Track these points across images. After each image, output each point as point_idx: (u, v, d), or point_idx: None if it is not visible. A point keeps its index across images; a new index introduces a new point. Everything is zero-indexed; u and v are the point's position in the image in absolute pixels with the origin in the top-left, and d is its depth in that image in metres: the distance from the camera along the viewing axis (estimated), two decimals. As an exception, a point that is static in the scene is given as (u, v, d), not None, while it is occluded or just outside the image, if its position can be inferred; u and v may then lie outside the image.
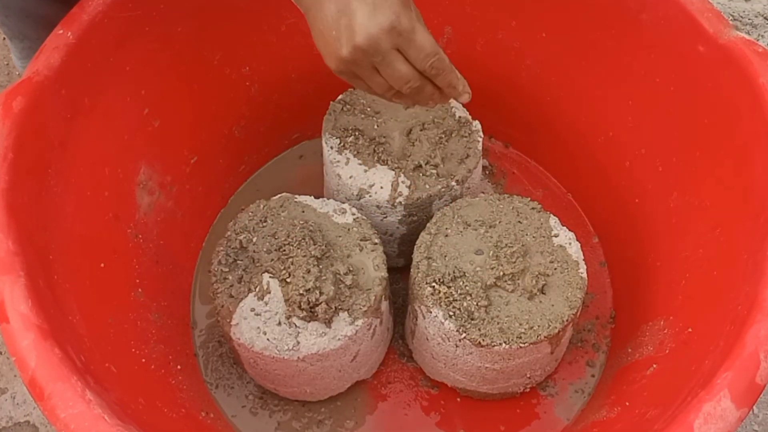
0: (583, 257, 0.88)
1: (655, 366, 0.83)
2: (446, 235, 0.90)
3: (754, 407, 1.03)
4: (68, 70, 0.80)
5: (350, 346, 0.86)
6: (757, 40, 1.07)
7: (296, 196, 0.93)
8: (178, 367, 0.91)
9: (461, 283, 0.85)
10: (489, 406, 0.95)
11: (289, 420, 0.95)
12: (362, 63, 0.69)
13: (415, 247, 0.90)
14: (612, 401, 0.88)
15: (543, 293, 0.86)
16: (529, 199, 0.93)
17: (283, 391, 0.93)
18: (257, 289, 0.86)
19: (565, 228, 0.90)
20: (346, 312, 0.85)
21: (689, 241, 0.88)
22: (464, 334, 0.82)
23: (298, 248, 0.85)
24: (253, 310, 0.85)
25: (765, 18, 1.41)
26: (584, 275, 0.87)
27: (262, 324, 0.85)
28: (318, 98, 1.03)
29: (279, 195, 0.93)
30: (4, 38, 1.36)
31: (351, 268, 0.86)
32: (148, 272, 0.93)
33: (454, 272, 0.86)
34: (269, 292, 0.86)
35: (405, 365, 0.98)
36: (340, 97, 1.00)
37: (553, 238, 0.89)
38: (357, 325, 0.85)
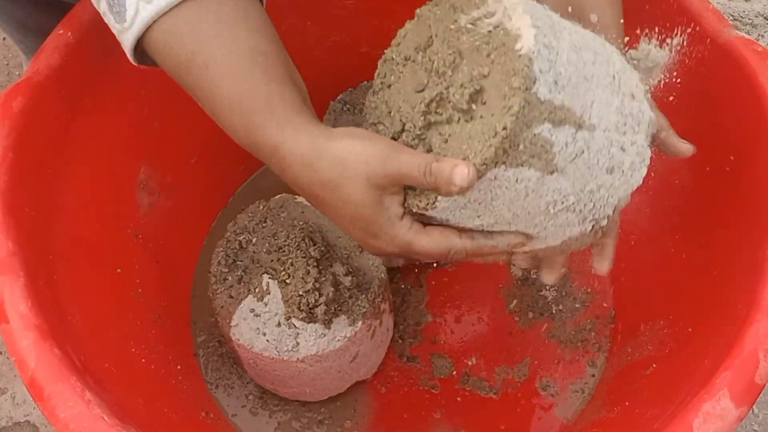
0: (530, 24, 0.56)
1: (654, 365, 0.83)
2: (389, 86, 0.68)
3: (754, 407, 1.03)
4: (68, 70, 0.80)
5: (350, 347, 0.86)
6: (757, 40, 1.07)
7: (296, 196, 0.93)
8: (178, 367, 0.91)
9: (403, 139, 0.64)
10: (489, 405, 0.95)
11: (289, 420, 0.95)
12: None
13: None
14: (612, 401, 0.88)
15: (482, 103, 0.58)
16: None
17: (282, 391, 0.93)
18: (257, 290, 0.86)
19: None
20: (345, 313, 0.85)
21: (689, 240, 0.88)
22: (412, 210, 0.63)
23: (298, 249, 0.85)
24: (252, 310, 0.85)
25: (765, 18, 1.41)
26: (525, 47, 0.55)
27: (261, 325, 0.85)
28: (318, 98, 1.02)
29: (279, 195, 0.93)
30: (4, 38, 1.37)
31: (350, 269, 0.86)
32: (148, 272, 0.93)
33: (397, 130, 0.65)
34: (269, 293, 0.86)
35: (405, 365, 0.98)
36: (339, 96, 1.01)
37: (489, 19, 0.59)
38: (356, 326, 0.85)
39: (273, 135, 0.60)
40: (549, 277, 0.72)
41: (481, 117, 0.58)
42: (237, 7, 0.62)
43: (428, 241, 0.62)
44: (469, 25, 0.60)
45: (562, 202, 0.61)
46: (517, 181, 0.58)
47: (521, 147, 0.56)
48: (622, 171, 0.62)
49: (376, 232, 0.61)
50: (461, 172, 0.56)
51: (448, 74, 0.61)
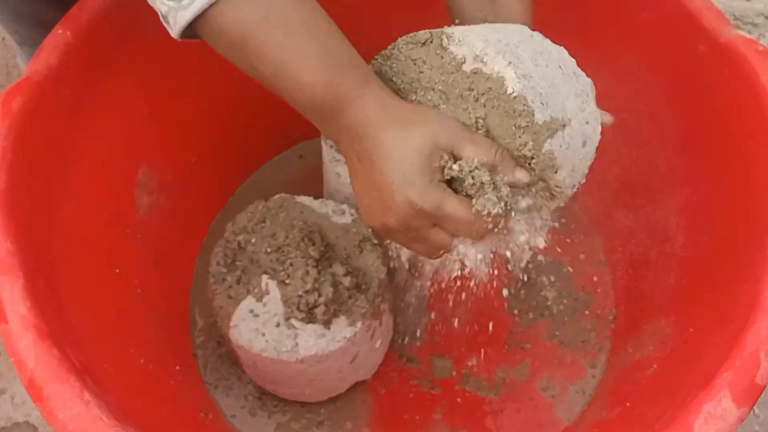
0: (507, 63, 0.64)
1: (655, 366, 0.83)
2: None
3: (755, 407, 1.03)
4: (67, 70, 0.80)
5: (349, 348, 0.86)
6: (758, 40, 1.07)
7: (295, 196, 0.93)
8: (177, 367, 0.91)
9: None
10: (489, 406, 0.95)
11: (289, 421, 0.94)
12: (396, 236, 0.67)
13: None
14: (613, 401, 0.87)
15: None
16: (413, 33, 0.71)
17: (282, 392, 0.93)
18: (256, 291, 0.86)
19: (468, 36, 0.67)
20: (345, 313, 0.84)
21: (689, 240, 0.88)
22: None
23: (297, 249, 0.85)
24: (251, 311, 0.85)
25: (766, 17, 1.41)
26: (516, 88, 0.63)
27: (260, 325, 0.84)
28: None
29: (278, 195, 0.93)
30: (4, 38, 1.36)
31: (350, 270, 0.86)
32: (147, 272, 0.93)
33: None
34: (268, 294, 0.85)
35: (405, 366, 0.98)
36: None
37: (463, 66, 0.66)
38: (356, 327, 0.85)
39: (359, 87, 0.63)
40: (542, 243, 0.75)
41: None
42: None
43: (459, 205, 0.63)
44: (441, 75, 0.67)
45: (563, 187, 0.68)
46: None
47: (537, 169, 0.64)
48: (590, 138, 0.70)
49: (414, 181, 0.62)
50: (523, 171, 0.64)
51: None
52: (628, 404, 0.82)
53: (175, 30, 0.64)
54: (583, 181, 0.72)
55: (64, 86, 0.80)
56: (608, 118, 0.74)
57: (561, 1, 0.97)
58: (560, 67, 0.68)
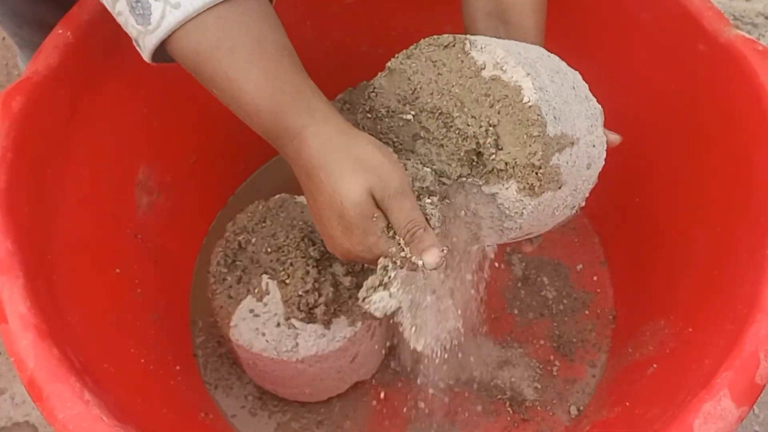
0: (525, 74, 0.65)
1: (655, 366, 0.83)
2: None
3: (755, 407, 1.03)
4: (67, 70, 0.80)
5: (349, 348, 0.86)
6: (758, 40, 1.07)
7: (295, 196, 0.93)
8: (177, 367, 0.91)
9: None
10: (489, 405, 0.95)
11: (289, 421, 0.94)
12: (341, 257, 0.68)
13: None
14: (612, 401, 0.87)
15: (500, 149, 0.66)
16: (437, 36, 0.71)
17: (282, 391, 0.93)
18: (256, 291, 0.86)
19: (490, 45, 0.68)
20: (345, 313, 0.84)
21: (689, 240, 0.88)
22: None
23: (297, 249, 0.85)
24: (251, 311, 0.85)
25: (766, 17, 1.41)
26: (532, 98, 0.64)
27: (260, 325, 0.84)
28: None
29: (278, 195, 0.93)
30: (4, 38, 1.37)
31: (350, 270, 0.86)
32: (147, 272, 0.93)
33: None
34: (268, 293, 0.85)
35: (405, 365, 0.98)
36: (339, 96, 1.00)
37: (482, 72, 0.67)
38: (356, 327, 0.85)
39: (302, 118, 0.63)
40: (529, 248, 0.79)
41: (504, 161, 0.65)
42: (260, 5, 0.65)
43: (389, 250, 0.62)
44: (459, 78, 0.67)
45: (563, 205, 0.69)
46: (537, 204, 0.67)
47: (542, 181, 0.65)
48: (594, 162, 0.70)
49: (354, 233, 0.63)
50: (433, 255, 0.61)
51: (450, 125, 0.67)
52: (627, 404, 0.82)
53: (145, 54, 0.66)
54: (583, 204, 0.72)
55: (64, 86, 0.80)
56: (615, 137, 0.74)
57: (561, 1, 0.97)
58: (574, 88, 0.69)
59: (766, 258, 0.70)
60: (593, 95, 0.72)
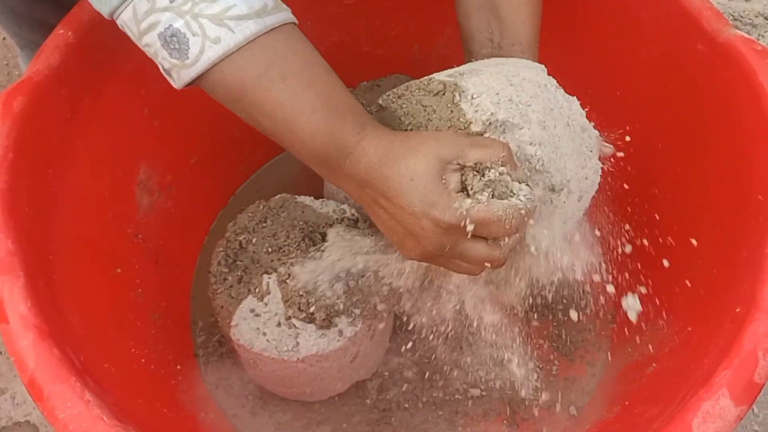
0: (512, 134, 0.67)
1: (654, 365, 0.83)
2: None
3: (754, 407, 1.03)
4: (68, 70, 0.80)
5: (350, 347, 0.86)
6: (758, 40, 1.07)
7: (296, 196, 0.93)
8: (178, 367, 0.91)
9: None
10: (489, 405, 0.95)
11: (289, 420, 0.94)
12: (437, 261, 0.68)
13: None
14: (612, 401, 0.88)
15: None
16: (426, 81, 0.72)
17: (282, 391, 0.93)
18: (257, 290, 0.86)
19: (481, 95, 0.68)
20: (345, 313, 0.84)
21: (689, 239, 0.88)
22: None
23: (298, 249, 0.85)
24: (252, 310, 0.85)
25: (765, 18, 1.41)
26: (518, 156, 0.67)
27: (261, 325, 0.85)
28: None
29: (279, 195, 0.93)
30: (4, 38, 1.37)
31: (350, 270, 0.86)
32: (148, 272, 0.93)
33: None
34: (269, 293, 0.86)
35: (404, 365, 0.98)
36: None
37: (471, 127, 0.68)
38: (356, 326, 0.85)
39: (356, 133, 0.64)
40: None
41: None
42: (297, 31, 0.66)
43: (485, 208, 0.62)
44: (448, 129, 0.68)
45: (558, 238, 0.72)
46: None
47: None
48: (586, 192, 0.73)
49: (433, 201, 0.62)
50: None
51: None
52: (627, 403, 0.82)
53: (177, 84, 0.67)
54: (575, 228, 0.75)
55: (64, 86, 0.80)
56: (608, 150, 0.76)
57: (561, 1, 0.97)
58: (568, 124, 0.70)
59: (765, 257, 0.70)
60: (577, 95, 0.73)
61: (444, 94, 0.69)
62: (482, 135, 0.67)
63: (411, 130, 0.69)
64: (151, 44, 0.65)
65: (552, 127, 0.68)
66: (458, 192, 0.63)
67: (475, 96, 0.67)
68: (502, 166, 0.63)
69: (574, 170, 0.69)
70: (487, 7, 0.79)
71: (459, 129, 0.67)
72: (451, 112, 0.68)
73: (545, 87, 0.70)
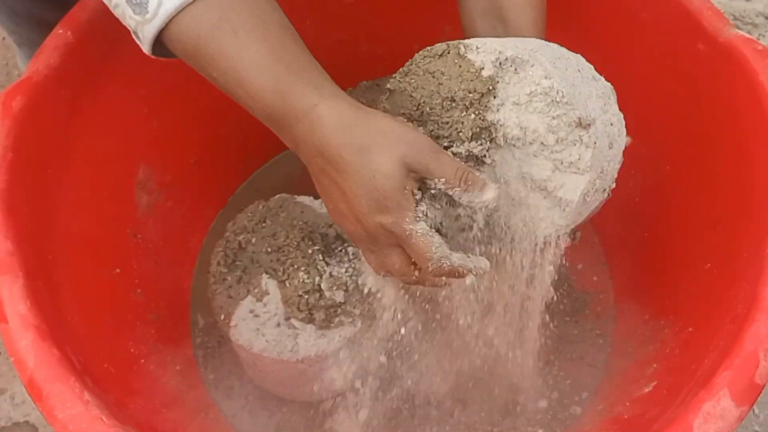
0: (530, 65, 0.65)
1: (655, 365, 0.83)
2: None
3: (755, 407, 1.03)
4: (68, 70, 0.80)
5: (350, 348, 0.86)
6: (758, 40, 1.07)
7: (295, 196, 0.93)
8: (177, 367, 0.91)
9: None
10: (490, 404, 0.95)
11: (289, 420, 0.94)
12: (358, 244, 0.66)
13: None
14: (612, 401, 0.87)
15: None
16: (429, 47, 0.70)
17: (282, 391, 0.93)
18: (256, 291, 0.86)
19: (485, 44, 0.66)
20: (345, 314, 0.84)
21: (689, 239, 0.88)
22: None
23: (297, 249, 0.85)
24: (251, 311, 0.85)
25: (766, 17, 1.41)
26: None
27: (260, 325, 0.84)
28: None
29: (278, 195, 0.93)
30: (4, 38, 1.37)
31: (350, 269, 0.86)
32: (147, 272, 0.93)
33: None
34: (268, 294, 0.85)
35: (405, 364, 0.98)
36: (339, 96, 1.00)
37: (482, 72, 0.66)
38: (356, 326, 0.85)
39: (310, 96, 0.61)
40: (568, 243, 0.74)
41: None
42: None
43: (428, 241, 0.61)
44: (461, 83, 0.65)
45: (593, 189, 0.67)
46: None
47: None
48: (615, 140, 0.68)
49: (388, 207, 0.61)
50: (492, 189, 0.62)
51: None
52: (627, 403, 0.82)
53: (144, 45, 0.65)
54: (613, 185, 0.70)
55: (64, 86, 0.80)
56: (627, 140, 0.73)
57: (560, 1, 0.97)
58: (579, 71, 0.68)
59: (765, 257, 0.70)
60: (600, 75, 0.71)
61: (449, 52, 0.67)
62: (494, 80, 0.64)
63: (424, 103, 0.66)
64: (118, 3, 0.64)
65: (563, 68, 0.66)
66: (417, 201, 0.62)
67: (479, 45, 0.66)
68: (459, 187, 0.62)
69: (597, 111, 0.66)
70: (492, 11, 0.78)
71: (471, 80, 0.65)
72: (459, 66, 0.66)
73: (548, 45, 0.69)
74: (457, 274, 0.64)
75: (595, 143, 0.64)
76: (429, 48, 0.68)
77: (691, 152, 0.89)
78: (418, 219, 0.61)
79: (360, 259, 0.85)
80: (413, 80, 0.68)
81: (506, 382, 0.94)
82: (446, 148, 0.65)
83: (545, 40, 0.76)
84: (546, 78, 0.63)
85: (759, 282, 0.68)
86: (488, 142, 0.65)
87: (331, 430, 0.92)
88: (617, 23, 0.93)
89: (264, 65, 0.62)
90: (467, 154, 0.65)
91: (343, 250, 0.87)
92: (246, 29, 0.62)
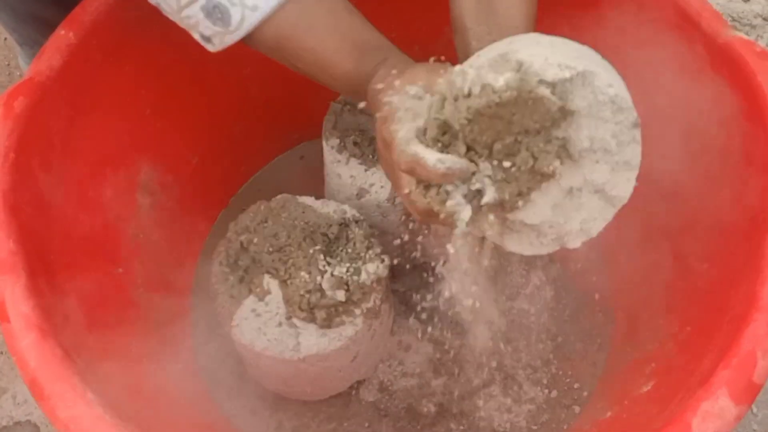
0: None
1: (654, 365, 0.83)
2: None
3: (753, 406, 1.03)
4: (70, 71, 0.80)
5: (350, 347, 0.86)
6: (756, 41, 1.07)
7: (297, 196, 0.93)
8: (179, 367, 0.91)
9: None
10: (490, 405, 0.95)
11: (290, 419, 0.95)
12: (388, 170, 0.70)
13: None
14: (611, 400, 0.88)
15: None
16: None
17: (283, 390, 0.93)
18: (258, 290, 0.86)
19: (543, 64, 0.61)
20: (346, 313, 0.85)
21: (688, 239, 0.88)
22: None
23: (299, 249, 0.86)
24: (253, 310, 0.85)
25: (764, 19, 1.41)
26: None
27: (262, 325, 0.85)
28: (318, 98, 1.03)
29: (280, 195, 0.93)
30: (6, 39, 1.37)
31: (350, 268, 0.86)
32: (149, 272, 0.93)
33: None
34: (270, 293, 0.86)
35: (405, 364, 0.98)
36: (340, 96, 1.01)
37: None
38: (357, 326, 0.85)
39: (378, 64, 0.70)
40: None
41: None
42: None
43: (429, 156, 0.60)
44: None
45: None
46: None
47: None
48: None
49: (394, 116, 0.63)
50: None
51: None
52: (627, 403, 0.82)
53: (216, 48, 0.74)
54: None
55: (66, 87, 0.80)
56: None
57: (559, 2, 0.97)
58: (604, 64, 0.66)
59: (764, 258, 0.70)
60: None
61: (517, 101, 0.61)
62: (564, 107, 0.61)
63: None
64: (192, 15, 0.71)
65: (608, 68, 0.65)
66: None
67: (539, 69, 0.60)
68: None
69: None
70: (482, 2, 0.78)
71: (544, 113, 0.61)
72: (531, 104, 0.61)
73: (568, 42, 0.66)
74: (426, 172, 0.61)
75: (640, 138, 0.64)
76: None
77: (690, 153, 0.89)
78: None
79: (360, 259, 0.85)
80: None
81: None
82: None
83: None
84: (610, 86, 0.62)
85: (757, 282, 0.68)
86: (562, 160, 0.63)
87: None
88: (615, 24, 0.93)
89: (342, 52, 0.71)
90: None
91: (345, 250, 0.88)
92: (320, 24, 0.71)
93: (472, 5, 0.79)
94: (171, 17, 0.73)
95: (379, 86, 0.68)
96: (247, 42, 0.73)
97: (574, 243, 0.69)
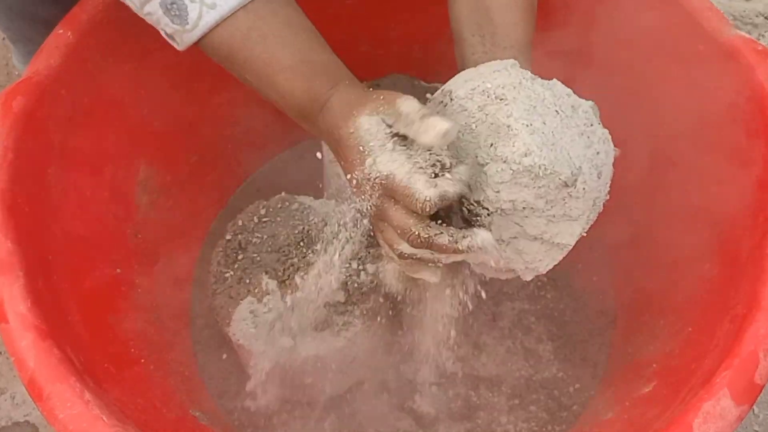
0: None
1: (655, 365, 0.83)
2: None
3: (755, 407, 1.03)
4: (68, 70, 0.80)
5: (350, 348, 0.86)
6: (758, 40, 1.07)
7: (296, 196, 0.93)
8: (177, 367, 0.91)
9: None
10: (491, 403, 0.95)
11: (289, 420, 0.95)
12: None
13: None
14: (612, 401, 0.87)
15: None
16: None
17: (283, 391, 0.93)
18: (256, 291, 0.86)
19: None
20: (345, 314, 0.84)
21: (689, 239, 0.88)
22: None
23: (297, 249, 0.86)
24: (251, 311, 0.85)
25: (765, 17, 1.41)
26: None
27: (261, 325, 0.85)
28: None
29: (278, 195, 0.93)
30: (4, 38, 1.37)
31: (350, 267, 0.86)
32: (148, 272, 0.93)
33: None
34: (268, 293, 0.86)
35: (405, 364, 0.98)
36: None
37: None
38: (356, 327, 0.85)
39: (329, 89, 0.68)
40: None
41: None
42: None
43: (402, 216, 0.63)
44: None
45: (589, 221, 0.69)
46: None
47: None
48: (604, 164, 0.68)
49: (371, 148, 0.63)
50: (445, 124, 0.60)
51: None
52: (627, 403, 0.82)
53: (180, 47, 0.72)
54: (608, 198, 0.71)
55: (64, 86, 0.80)
56: (615, 152, 0.73)
57: (560, 2, 0.97)
58: (557, 112, 0.67)
59: (765, 258, 0.70)
60: (580, 95, 0.71)
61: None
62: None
63: None
64: (152, 12, 0.70)
65: (540, 124, 0.65)
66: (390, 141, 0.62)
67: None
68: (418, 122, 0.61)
69: (581, 153, 0.66)
70: (478, 10, 0.78)
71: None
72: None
73: (520, 86, 0.67)
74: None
75: (584, 189, 0.65)
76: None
77: (691, 152, 0.89)
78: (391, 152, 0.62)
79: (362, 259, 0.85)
80: None
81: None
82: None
83: (533, 39, 0.77)
84: (526, 156, 0.63)
85: (759, 282, 0.68)
86: (481, 217, 0.66)
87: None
88: (617, 24, 0.93)
89: (292, 68, 0.68)
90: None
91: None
92: (274, 36, 0.69)
93: (466, 13, 0.79)
94: (138, 14, 0.72)
95: (339, 122, 0.65)
96: (202, 46, 0.71)
97: (526, 277, 0.72)
